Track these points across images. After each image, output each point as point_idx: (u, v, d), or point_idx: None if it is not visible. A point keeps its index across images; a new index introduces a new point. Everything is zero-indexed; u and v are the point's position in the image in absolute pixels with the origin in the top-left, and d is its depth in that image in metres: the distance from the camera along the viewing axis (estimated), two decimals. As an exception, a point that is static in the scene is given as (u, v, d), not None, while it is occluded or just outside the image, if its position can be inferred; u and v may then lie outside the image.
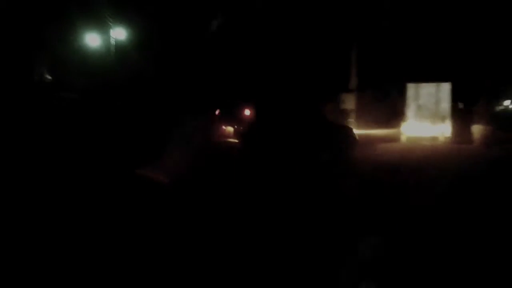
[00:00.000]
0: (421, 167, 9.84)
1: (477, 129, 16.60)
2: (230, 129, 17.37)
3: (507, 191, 6.66)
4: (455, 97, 17.54)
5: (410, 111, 17.44)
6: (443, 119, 16.63)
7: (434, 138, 16.55)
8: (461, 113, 17.64)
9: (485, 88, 19.25)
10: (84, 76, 19.49)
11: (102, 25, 20.06)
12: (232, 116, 17.66)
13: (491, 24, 18.32)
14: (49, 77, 19.05)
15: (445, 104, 17.20)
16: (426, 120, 17.39)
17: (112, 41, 19.93)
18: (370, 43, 17.53)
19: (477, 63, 18.03)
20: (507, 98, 24.58)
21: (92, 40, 20.67)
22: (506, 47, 18.85)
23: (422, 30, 17.25)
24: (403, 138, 17.16)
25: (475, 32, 17.92)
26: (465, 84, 17.78)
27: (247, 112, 16.57)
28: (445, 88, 17.19)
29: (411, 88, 17.43)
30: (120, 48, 20.32)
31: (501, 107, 23.67)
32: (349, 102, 17.53)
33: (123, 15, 20.62)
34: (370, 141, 13.89)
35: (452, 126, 16.73)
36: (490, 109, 20.30)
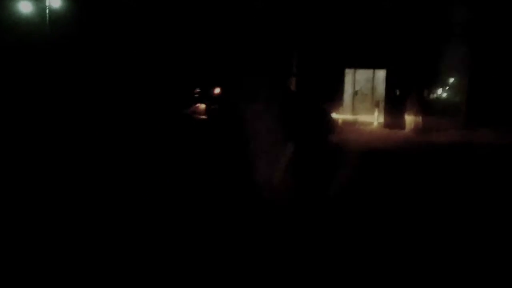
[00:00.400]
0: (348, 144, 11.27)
1: (410, 116, 17.27)
2: (202, 106, 17.45)
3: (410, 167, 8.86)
4: (392, 84, 18.10)
5: (347, 95, 17.89)
6: (377, 104, 17.16)
7: (369, 123, 17.06)
8: (396, 99, 18.25)
9: (421, 77, 19.99)
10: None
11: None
12: (205, 95, 17.81)
13: (428, 16, 18.99)
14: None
15: (380, 90, 17.74)
16: (362, 105, 17.90)
17: (47, 9, 19.07)
18: (312, 31, 17.78)
19: (413, 52, 18.68)
20: (441, 87, 25.50)
21: (24, 6, 19.71)
22: (440, 38, 19.60)
23: (361, 18, 17.64)
24: (339, 121, 17.59)
25: (412, 22, 18.55)
26: (401, 72, 18.38)
27: (216, 91, 16.62)
28: (381, 74, 17.74)
29: (348, 73, 17.86)
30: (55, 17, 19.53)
31: (434, 95, 24.58)
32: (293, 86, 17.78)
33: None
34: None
35: (385, 112, 17.31)
36: (424, 97, 21.16)
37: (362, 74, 17.98)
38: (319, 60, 17.59)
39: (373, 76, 17.91)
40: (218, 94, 16.55)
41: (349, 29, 17.42)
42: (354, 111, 17.80)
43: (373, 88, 17.88)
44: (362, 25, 17.59)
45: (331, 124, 12.39)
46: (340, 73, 17.84)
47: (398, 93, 19.20)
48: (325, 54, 17.47)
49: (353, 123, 17.35)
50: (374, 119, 17.37)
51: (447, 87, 27.88)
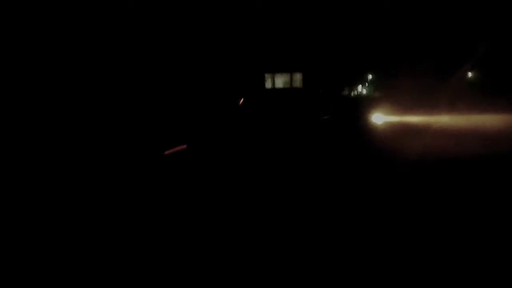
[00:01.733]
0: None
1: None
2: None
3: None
4: (308, 85, 20.06)
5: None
6: (295, 104, 19.14)
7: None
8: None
9: (338, 76, 22.06)
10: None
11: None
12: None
13: (342, 24, 21.00)
14: None
15: (298, 91, 19.75)
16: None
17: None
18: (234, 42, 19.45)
19: (326, 54, 20.65)
20: (361, 84, 27.59)
21: None
22: (355, 38, 21.64)
23: (276, 27, 19.49)
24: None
25: (324, 26, 20.51)
26: (316, 73, 20.35)
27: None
28: (298, 77, 19.62)
29: (268, 77, 19.65)
30: None
31: (355, 93, 26.74)
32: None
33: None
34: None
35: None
36: (341, 95, 23.39)
37: (281, 78, 19.81)
38: (241, 67, 19.30)
39: (291, 79, 19.78)
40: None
41: (266, 37, 19.23)
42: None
43: (291, 90, 19.82)
44: (278, 32, 19.43)
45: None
46: (260, 77, 19.60)
47: (321, 91, 21.29)
48: (246, 61, 19.21)
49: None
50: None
51: (367, 84, 30.30)
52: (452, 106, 19.38)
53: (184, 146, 18.03)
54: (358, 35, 21.08)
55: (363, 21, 21.71)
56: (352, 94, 27.05)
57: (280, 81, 19.69)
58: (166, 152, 16.70)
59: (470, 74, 25.48)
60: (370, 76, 28.57)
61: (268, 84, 19.60)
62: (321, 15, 19.91)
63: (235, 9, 18.70)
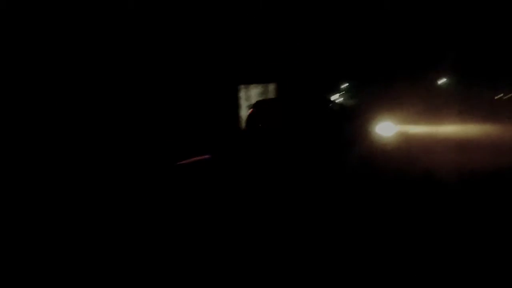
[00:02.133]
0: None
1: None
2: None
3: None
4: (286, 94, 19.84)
5: (243, 109, 19.36)
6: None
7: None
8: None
9: (312, 86, 21.84)
10: None
11: None
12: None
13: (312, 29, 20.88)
14: None
15: (272, 102, 19.42)
16: (257, 118, 19.48)
17: None
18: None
19: (300, 64, 20.52)
20: (336, 93, 27.49)
21: None
22: (328, 47, 21.53)
23: (248, 39, 19.27)
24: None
25: (300, 41, 20.45)
26: (290, 83, 20.14)
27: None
28: (272, 88, 19.36)
29: (242, 89, 19.34)
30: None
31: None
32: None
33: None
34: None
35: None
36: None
37: (255, 89, 19.51)
38: (215, 79, 18.99)
39: (265, 90, 19.50)
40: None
41: (238, 49, 18.96)
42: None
43: (265, 101, 19.50)
44: (252, 42, 19.18)
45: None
46: (234, 89, 19.29)
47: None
48: (219, 73, 18.89)
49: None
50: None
51: (343, 92, 30.26)
52: (443, 114, 19.31)
53: (207, 156, 17.79)
54: (333, 44, 20.98)
55: (338, 29, 21.61)
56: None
57: (254, 92, 19.40)
58: (180, 163, 16.49)
59: (444, 80, 25.56)
60: (345, 85, 28.53)
61: (242, 96, 19.30)
62: (294, 24, 19.79)
63: (209, 18, 18.40)
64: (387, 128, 14.32)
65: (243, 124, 19.58)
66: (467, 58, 22.54)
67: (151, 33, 17.18)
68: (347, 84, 27.94)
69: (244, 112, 19.61)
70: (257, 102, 14.52)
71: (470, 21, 21.42)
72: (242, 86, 19.33)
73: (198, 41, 18.40)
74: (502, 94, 24.20)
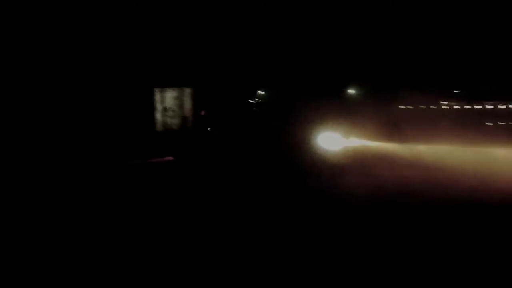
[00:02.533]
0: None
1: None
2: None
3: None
4: (198, 101, 20.16)
5: (158, 112, 19.56)
6: (184, 120, 19.19)
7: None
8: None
9: (230, 91, 22.23)
10: None
11: None
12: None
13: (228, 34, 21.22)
14: None
15: (188, 106, 19.76)
16: (172, 121, 19.73)
17: None
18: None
19: (217, 69, 20.84)
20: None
21: None
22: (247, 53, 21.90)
23: (171, 39, 19.42)
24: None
25: (218, 44, 20.71)
26: (207, 88, 20.49)
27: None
28: (188, 92, 19.70)
29: (157, 92, 19.54)
30: None
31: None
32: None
33: None
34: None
35: (193, 125, 19.45)
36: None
37: (170, 92, 19.77)
38: (129, 81, 19.03)
39: (181, 94, 19.80)
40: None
41: (154, 52, 19.11)
42: (165, 126, 19.54)
43: (181, 105, 19.79)
44: (168, 43, 19.34)
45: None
46: (149, 92, 19.43)
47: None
48: (135, 75, 18.96)
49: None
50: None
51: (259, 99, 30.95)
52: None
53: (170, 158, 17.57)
54: (251, 51, 21.30)
55: (255, 36, 21.97)
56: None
57: (170, 96, 19.64)
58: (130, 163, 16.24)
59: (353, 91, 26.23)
60: (263, 92, 29.19)
61: (158, 99, 19.46)
62: (213, 25, 20.02)
63: (122, 16, 18.39)
64: (332, 141, 14.34)
65: (158, 126, 19.77)
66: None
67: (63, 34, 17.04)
68: (267, 91, 28.60)
69: (160, 115, 19.82)
70: (207, 106, 15.28)
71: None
72: (158, 89, 19.52)
73: (113, 44, 18.42)
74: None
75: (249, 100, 26.13)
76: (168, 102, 19.68)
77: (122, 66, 18.51)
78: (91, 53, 17.99)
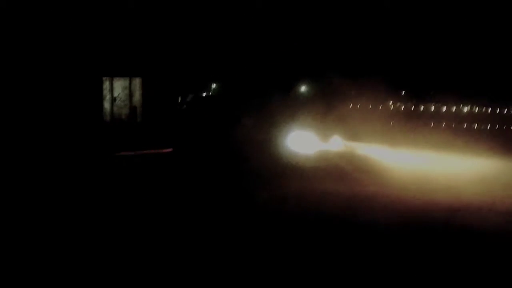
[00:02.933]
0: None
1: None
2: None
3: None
4: (148, 91, 19.86)
5: (106, 102, 19.12)
6: (133, 109, 18.92)
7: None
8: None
9: (180, 83, 21.97)
10: None
11: None
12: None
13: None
14: None
15: (138, 97, 19.45)
16: (121, 110, 19.40)
17: None
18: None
19: (168, 61, 20.54)
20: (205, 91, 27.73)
21: None
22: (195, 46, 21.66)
23: (122, 28, 18.95)
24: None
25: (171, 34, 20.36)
26: (156, 79, 20.18)
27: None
28: (137, 82, 19.38)
29: (106, 81, 19.08)
30: None
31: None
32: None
33: None
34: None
35: (143, 115, 19.25)
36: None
37: (120, 82, 19.37)
38: (79, 70, 18.47)
39: (130, 84, 19.44)
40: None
41: (103, 40, 18.61)
42: (113, 115, 19.13)
43: (130, 95, 19.45)
44: (118, 31, 18.86)
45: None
46: (98, 81, 18.92)
47: (190, 97, 21.67)
48: (84, 64, 18.40)
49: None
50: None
51: (211, 91, 30.81)
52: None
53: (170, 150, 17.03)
54: (204, 42, 21.03)
55: (211, 28, 21.68)
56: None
57: (119, 85, 19.23)
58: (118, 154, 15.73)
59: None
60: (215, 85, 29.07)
61: (106, 88, 18.99)
62: (165, 16, 19.65)
63: (70, 2, 17.76)
64: (308, 144, 12.93)
65: (107, 116, 19.36)
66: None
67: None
68: (219, 84, 28.50)
69: (108, 104, 19.38)
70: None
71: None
72: (106, 78, 19.05)
73: (60, 31, 17.83)
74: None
75: (202, 94, 25.88)
76: (117, 92, 19.29)
77: (69, 53, 17.94)
78: (36, 40, 17.32)
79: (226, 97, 21.83)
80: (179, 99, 22.84)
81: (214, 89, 27.76)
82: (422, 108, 21.13)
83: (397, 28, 21.85)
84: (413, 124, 18.77)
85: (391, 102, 21.24)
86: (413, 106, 20.36)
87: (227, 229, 7.77)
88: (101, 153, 17.12)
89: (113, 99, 19.17)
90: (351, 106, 19.57)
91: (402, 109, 20.82)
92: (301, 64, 21.47)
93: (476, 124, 20.90)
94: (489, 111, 24.45)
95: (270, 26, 21.50)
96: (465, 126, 20.59)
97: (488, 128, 22.07)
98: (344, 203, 10.35)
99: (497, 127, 23.38)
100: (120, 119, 19.15)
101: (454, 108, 21.32)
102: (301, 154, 12.93)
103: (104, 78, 18.86)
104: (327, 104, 18.15)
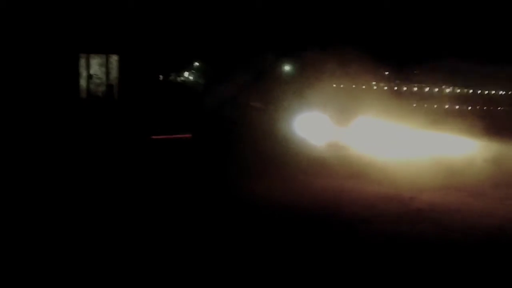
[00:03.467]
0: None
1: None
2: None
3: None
4: (126, 69, 19.58)
5: (83, 79, 18.88)
6: (110, 86, 18.67)
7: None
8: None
9: (160, 61, 21.71)
10: None
11: None
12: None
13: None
14: None
15: (115, 74, 19.19)
16: (97, 88, 19.15)
17: None
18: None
19: (147, 38, 20.26)
20: (188, 71, 27.65)
21: None
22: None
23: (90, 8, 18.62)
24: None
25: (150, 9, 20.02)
26: (135, 57, 19.87)
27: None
28: (114, 59, 19.11)
29: (82, 58, 18.81)
30: None
31: (181, 78, 26.75)
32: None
33: None
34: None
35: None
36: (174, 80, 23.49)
37: (96, 59, 19.11)
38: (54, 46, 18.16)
39: (107, 61, 19.17)
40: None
41: (81, 15, 18.29)
42: (89, 93, 18.91)
43: (107, 73, 19.19)
44: (93, 11, 18.55)
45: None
46: (74, 57, 18.65)
47: (161, 77, 21.40)
48: (60, 40, 18.09)
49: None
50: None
51: (193, 71, 30.66)
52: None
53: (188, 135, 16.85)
54: (178, 18, 20.69)
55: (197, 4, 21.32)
56: (178, 79, 27.10)
57: (95, 62, 18.96)
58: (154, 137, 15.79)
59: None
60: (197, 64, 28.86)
61: (82, 65, 18.72)
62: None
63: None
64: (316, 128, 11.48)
65: (83, 93, 19.10)
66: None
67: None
68: (199, 63, 28.31)
69: (85, 82, 19.12)
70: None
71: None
72: (83, 55, 18.76)
73: (36, 6, 17.49)
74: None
75: (184, 73, 25.66)
76: (94, 69, 19.04)
77: (45, 29, 17.61)
78: (10, 16, 16.99)
79: (220, 77, 21.10)
80: (160, 78, 22.59)
81: (197, 68, 27.39)
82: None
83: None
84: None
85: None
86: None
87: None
88: (77, 129, 16.97)
89: (89, 76, 18.93)
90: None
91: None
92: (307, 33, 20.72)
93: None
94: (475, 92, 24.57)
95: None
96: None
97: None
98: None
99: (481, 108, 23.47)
100: (97, 96, 18.91)
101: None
102: (316, 142, 12.01)
103: (80, 55, 18.60)
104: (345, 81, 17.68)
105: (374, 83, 23.58)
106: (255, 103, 18.51)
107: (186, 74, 27.92)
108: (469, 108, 24.29)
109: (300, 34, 21.62)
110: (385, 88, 23.73)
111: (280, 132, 12.73)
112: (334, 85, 21.00)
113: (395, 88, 23.37)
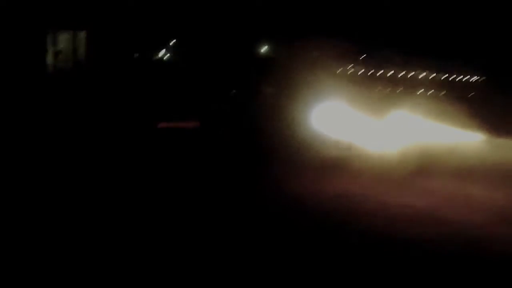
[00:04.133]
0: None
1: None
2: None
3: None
4: (94, 45, 19.14)
5: (49, 56, 18.44)
6: (78, 65, 18.31)
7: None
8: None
9: (133, 38, 21.20)
10: None
11: None
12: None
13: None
14: None
15: (83, 51, 18.77)
16: (64, 65, 18.74)
17: None
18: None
19: (118, 14, 19.73)
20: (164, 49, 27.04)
21: None
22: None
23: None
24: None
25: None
26: (105, 33, 19.42)
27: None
28: (81, 36, 18.67)
29: (48, 34, 18.34)
30: None
31: (157, 57, 26.23)
32: None
33: None
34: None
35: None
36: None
37: (63, 35, 18.64)
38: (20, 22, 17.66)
39: (75, 37, 18.73)
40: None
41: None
42: (55, 70, 18.49)
43: (74, 49, 18.77)
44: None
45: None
46: (41, 34, 18.16)
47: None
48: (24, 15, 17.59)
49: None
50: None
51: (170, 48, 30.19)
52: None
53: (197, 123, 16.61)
54: None
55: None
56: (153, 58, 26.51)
57: (63, 39, 18.50)
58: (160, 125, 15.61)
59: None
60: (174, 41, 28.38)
61: (49, 41, 18.23)
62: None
63: None
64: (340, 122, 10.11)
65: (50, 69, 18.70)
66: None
67: None
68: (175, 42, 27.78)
69: (51, 59, 18.67)
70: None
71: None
72: (49, 31, 18.26)
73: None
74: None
75: (158, 53, 25.09)
76: (61, 46, 18.58)
77: (10, 4, 17.12)
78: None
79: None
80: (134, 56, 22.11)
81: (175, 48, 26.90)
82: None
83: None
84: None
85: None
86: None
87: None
88: (42, 106, 16.79)
89: (56, 53, 18.50)
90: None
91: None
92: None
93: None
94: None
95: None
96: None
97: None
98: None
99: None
100: (63, 74, 18.51)
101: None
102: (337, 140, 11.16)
103: (47, 31, 18.11)
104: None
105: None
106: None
107: (161, 52, 27.40)
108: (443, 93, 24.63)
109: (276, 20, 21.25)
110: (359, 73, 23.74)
111: (294, 125, 12.51)
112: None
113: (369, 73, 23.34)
